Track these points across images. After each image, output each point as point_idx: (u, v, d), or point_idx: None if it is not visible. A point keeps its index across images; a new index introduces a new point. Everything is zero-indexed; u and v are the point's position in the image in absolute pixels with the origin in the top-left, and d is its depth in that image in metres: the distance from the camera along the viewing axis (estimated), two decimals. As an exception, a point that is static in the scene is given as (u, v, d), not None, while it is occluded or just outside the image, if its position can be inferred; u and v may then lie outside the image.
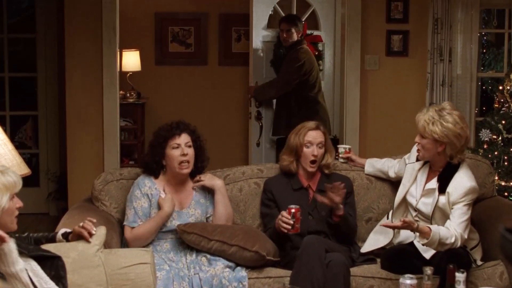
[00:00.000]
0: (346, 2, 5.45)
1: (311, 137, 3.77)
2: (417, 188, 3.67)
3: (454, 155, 3.55)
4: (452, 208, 3.51)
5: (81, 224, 3.04)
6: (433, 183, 3.60)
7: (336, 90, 6.33)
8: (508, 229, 1.47)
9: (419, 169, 3.70)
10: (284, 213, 3.54)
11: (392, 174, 3.96)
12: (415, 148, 3.70)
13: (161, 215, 3.57)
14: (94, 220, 3.08)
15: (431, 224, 3.55)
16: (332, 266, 3.39)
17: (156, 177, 3.69)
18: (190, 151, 3.64)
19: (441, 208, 3.56)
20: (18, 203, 2.63)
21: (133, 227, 3.57)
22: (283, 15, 6.09)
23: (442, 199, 3.54)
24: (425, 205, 3.61)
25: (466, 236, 3.48)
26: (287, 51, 5.84)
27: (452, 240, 3.39)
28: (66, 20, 5.31)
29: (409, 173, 3.72)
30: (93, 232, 3.02)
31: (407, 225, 3.38)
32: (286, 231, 3.52)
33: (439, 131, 3.47)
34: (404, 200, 3.72)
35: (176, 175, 3.67)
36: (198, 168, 3.74)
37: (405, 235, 3.69)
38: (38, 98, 6.61)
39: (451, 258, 3.33)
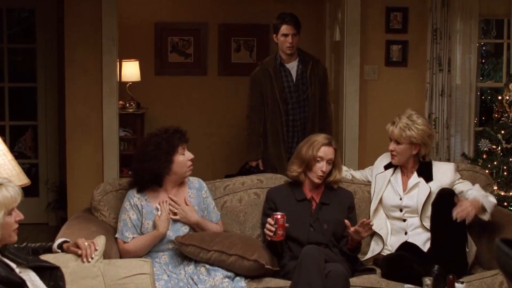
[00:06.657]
0: (346, 12, 5.46)
1: (323, 153, 3.78)
2: (394, 189, 3.88)
3: (426, 154, 3.89)
4: (454, 187, 3.79)
5: (81, 241, 3.01)
6: (415, 179, 3.85)
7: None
8: (504, 240, 1.47)
9: (391, 175, 3.93)
10: (269, 219, 3.56)
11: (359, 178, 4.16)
12: (380, 159, 4.03)
13: (155, 234, 3.54)
14: (97, 248, 3.03)
15: (421, 217, 3.77)
16: (331, 276, 3.38)
17: (142, 191, 3.62)
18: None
19: (432, 196, 3.77)
20: (18, 216, 2.59)
21: (124, 242, 3.55)
22: None
23: (433, 187, 3.78)
24: (412, 198, 3.83)
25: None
26: (306, 62, 4.95)
27: (490, 196, 3.75)
28: (66, 31, 5.32)
29: (381, 181, 3.94)
30: (93, 256, 2.97)
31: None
32: (269, 238, 3.54)
33: (415, 135, 3.79)
34: (379, 207, 3.92)
35: (178, 179, 3.65)
36: None
37: (395, 239, 3.82)
38: (37, 108, 6.61)
39: (446, 256, 3.54)
